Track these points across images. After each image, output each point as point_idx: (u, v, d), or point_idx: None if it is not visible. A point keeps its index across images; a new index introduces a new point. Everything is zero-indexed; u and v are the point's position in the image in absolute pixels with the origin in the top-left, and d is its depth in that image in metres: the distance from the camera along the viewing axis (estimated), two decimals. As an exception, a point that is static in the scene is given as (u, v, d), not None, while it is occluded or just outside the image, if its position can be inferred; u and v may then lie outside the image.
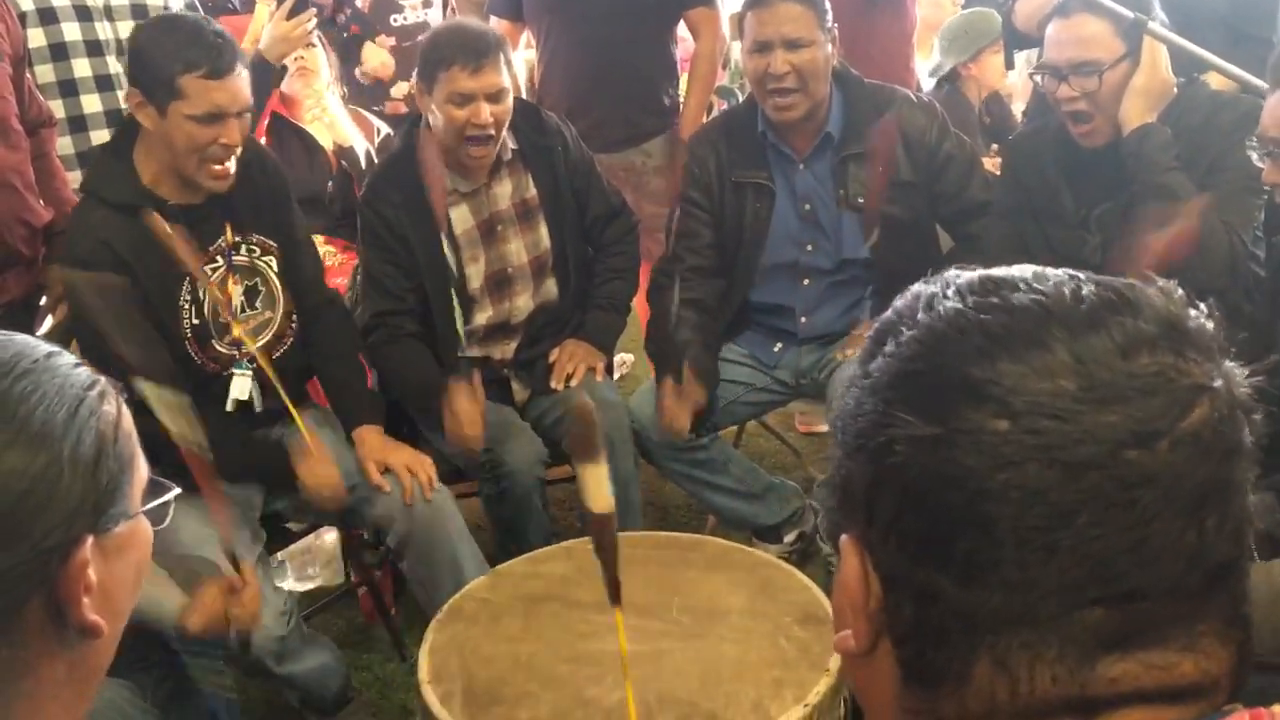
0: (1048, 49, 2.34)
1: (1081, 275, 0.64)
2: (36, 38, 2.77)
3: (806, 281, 2.81)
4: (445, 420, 2.50)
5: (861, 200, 2.69)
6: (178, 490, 0.89)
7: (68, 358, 0.82)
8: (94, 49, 2.87)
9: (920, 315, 0.65)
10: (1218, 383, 0.61)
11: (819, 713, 1.66)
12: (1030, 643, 0.60)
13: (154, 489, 0.87)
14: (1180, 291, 0.64)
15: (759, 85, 2.67)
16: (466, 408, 2.49)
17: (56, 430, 0.77)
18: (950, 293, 0.65)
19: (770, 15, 2.61)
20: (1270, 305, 2.11)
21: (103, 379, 0.84)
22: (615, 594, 1.47)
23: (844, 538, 0.68)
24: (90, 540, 0.78)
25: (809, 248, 2.78)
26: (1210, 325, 0.63)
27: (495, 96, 2.51)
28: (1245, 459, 0.62)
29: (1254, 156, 1.96)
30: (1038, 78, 2.40)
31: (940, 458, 0.60)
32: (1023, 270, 0.65)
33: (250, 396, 2.40)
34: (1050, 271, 0.64)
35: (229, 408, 2.39)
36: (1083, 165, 2.40)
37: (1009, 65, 3.60)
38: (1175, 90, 2.30)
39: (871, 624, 0.66)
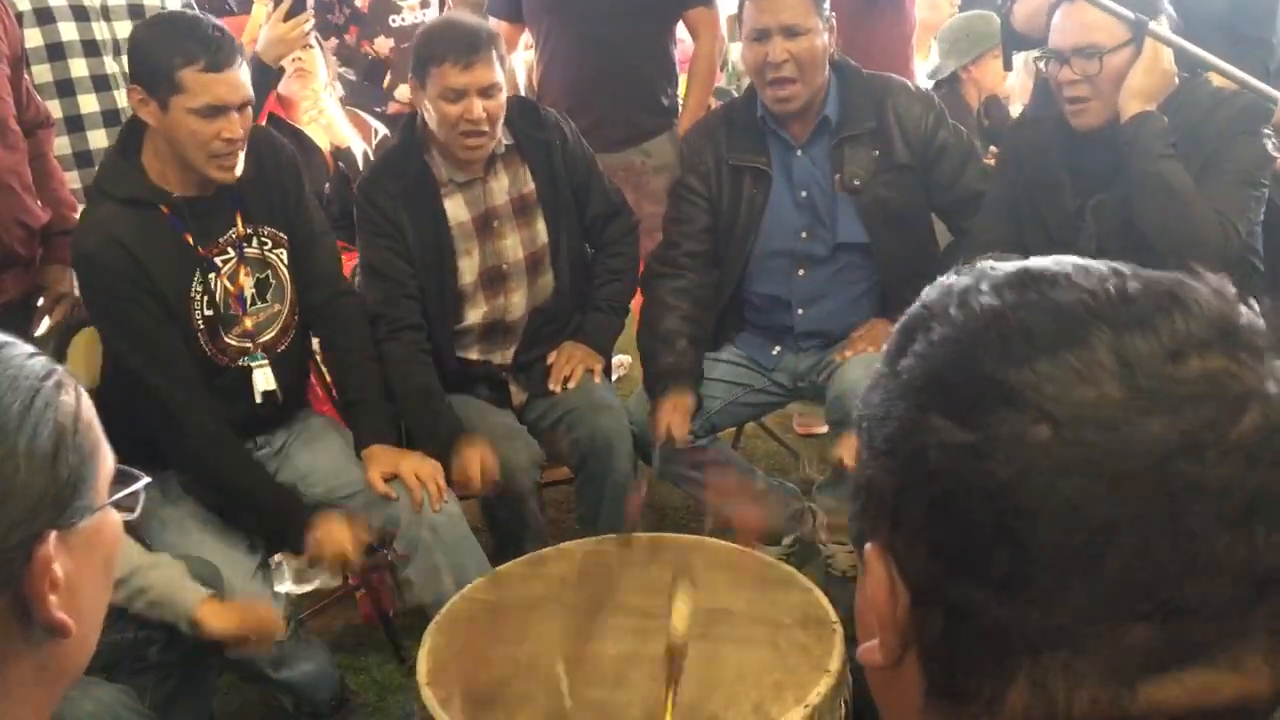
0: (1052, 35, 2.37)
1: (1127, 270, 0.60)
2: (33, 38, 2.77)
3: (802, 272, 2.80)
4: (453, 467, 2.47)
5: (858, 182, 2.69)
6: (147, 480, 0.85)
7: (22, 347, 0.79)
8: (91, 49, 2.87)
9: (953, 311, 0.61)
10: (1271, 387, 0.57)
11: (820, 714, 1.65)
12: (1070, 664, 0.56)
13: (122, 479, 0.84)
14: (1232, 288, 0.60)
15: (758, 74, 2.68)
16: (474, 466, 2.45)
17: (10, 424, 0.74)
18: (985, 287, 0.61)
19: (768, 3, 2.62)
20: (1271, 296, 2.12)
21: (59, 368, 0.80)
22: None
23: (868, 546, 0.64)
24: (54, 536, 0.76)
25: (804, 234, 2.77)
26: (1260, 322, 0.59)
27: (488, 91, 2.50)
28: None
29: (1269, 146, 1.97)
30: (1041, 64, 2.41)
31: (975, 468, 0.57)
32: (1063, 264, 0.61)
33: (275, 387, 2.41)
34: (1093, 266, 0.61)
35: (258, 399, 2.40)
36: (1081, 154, 2.41)
37: (1007, 66, 3.60)
38: (1176, 82, 2.32)
39: (900, 636, 0.63)
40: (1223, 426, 0.55)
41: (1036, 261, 0.62)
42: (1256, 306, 0.60)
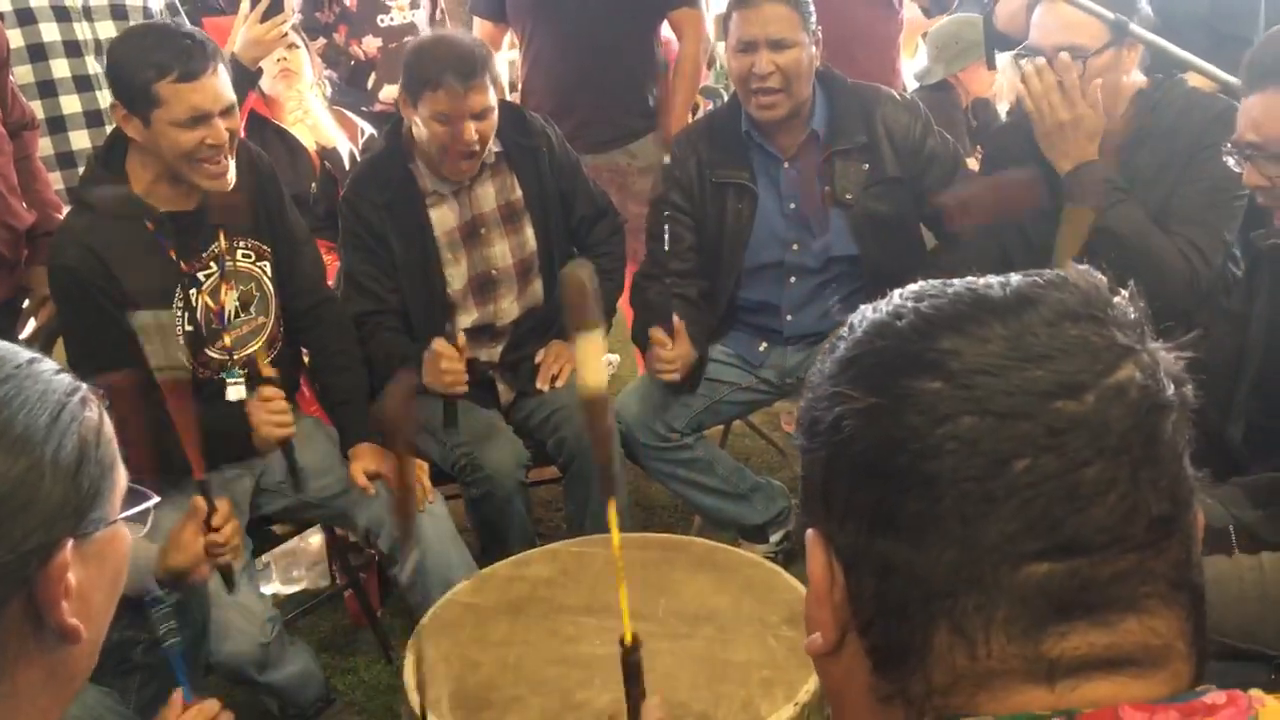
0: (1033, 33, 2.34)
1: (1011, 275, 0.69)
2: (15, 39, 2.75)
3: (793, 280, 2.81)
4: (425, 366, 2.48)
5: (849, 196, 2.69)
6: (157, 499, 0.89)
7: (50, 364, 0.83)
8: (72, 49, 2.86)
9: (867, 315, 0.70)
10: (1141, 351, 0.65)
11: (809, 711, 1.66)
12: (982, 605, 0.62)
13: (133, 497, 0.87)
14: (1103, 277, 0.68)
15: (743, 85, 2.68)
16: (446, 352, 2.47)
17: (38, 435, 0.78)
18: (894, 297, 0.70)
19: (755, 15, 2.62)
20: (1246, 299, 2.12)
21: (84, 385, 0.84)
22: (608, 485, 1.34)
23: (808, 532, 0.70)
24: (70, 544, 0.79)
25: (794, 246, 2.78)
26: (1132, 312, 0.67)
27: (480, 115, 2.51)
28: (1175, 417, 0.64)
29: (1230, 162, 1.96)
30: (1023, 61, 2.40)
31: (884, 424, 0.64)
32: (959, 279, 0.70)
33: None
34: (983, 278, 0.70)
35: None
36: None
37: (990, 65, 3.60)
38: (1105, 122, 2.27)
39: (837, 615, 0.68)
40: (1098, 373, 0.63)
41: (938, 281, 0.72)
42: (1127, 295, 0.68)
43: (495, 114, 2.55)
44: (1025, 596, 0.61)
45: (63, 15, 2.83)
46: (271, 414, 2.31)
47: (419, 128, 2.54)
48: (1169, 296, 2.19)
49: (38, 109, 2.78)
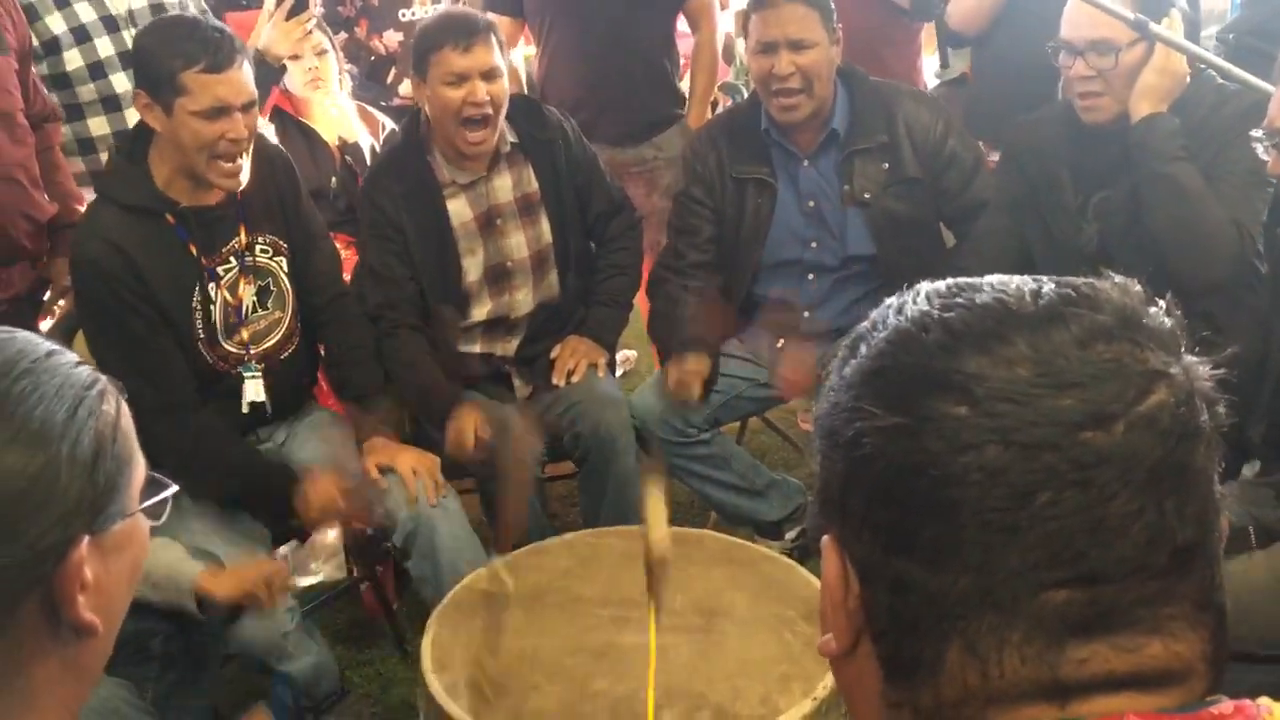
0: (1064, 27, 2.34)
1: (1044, 278, 0.66)
2: (73, 59, 2.81)
3: (811, 277, 2.81)
4: (448, 433, 2.49)
5: (868, 196, 2.69)
6: (175, 488, 0.88)
7: (69, 356, 0.82)
8: (127, 61, 2.88)
9: (891, 319, 0.68)
10: (1176, 371, 0.63)
11: (826, 706, 1.66)
12: (997, 626, 0.61)
13: (152, 486, 0.86)
14: (1138, 287, 0.66)
15: (763, 86, 2.67)
16: (466, 430, 2.48)
17: (55, 430, 0.77)
18: (919, 298, 0.68)
19: (775, 16, 2.62)
20: (1272, 298, 2.11)
21: (103, 378, 0.83)
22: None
23: (824, 538, 0.70)
24: (86, 540, 0.78)
25: (813, 244, 2.78)
26: (1168, 321, 0.65)
27: (489, 74, 2.51)
28: (1206, 444, 0.63)
29: (1259, 149, 1.96)
30: (1050, 52, 2.40)
31: (905, 446, 0.63)
32: (989, 276, 0.68)
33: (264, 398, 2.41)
34: (1015, 277, 0.68)
35: (244, 410, 2.39)
36: (1084, 151, 2.40)
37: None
38: (1188, 82, 2.30)
39: (851, 621, 0.68)
40: (1129, 401, 0.61)
41: (966, 278, 0.69)
42: (1164, 306, 0.65)
43: (505, 80, 2.55)
44: (1042, 620, 0.61)
45: (111, 26, 2.86)
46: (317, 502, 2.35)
47: (433, 106, 2.54)
48: (1214, 267, 2.19)
49: (90, 91, 2.83)
